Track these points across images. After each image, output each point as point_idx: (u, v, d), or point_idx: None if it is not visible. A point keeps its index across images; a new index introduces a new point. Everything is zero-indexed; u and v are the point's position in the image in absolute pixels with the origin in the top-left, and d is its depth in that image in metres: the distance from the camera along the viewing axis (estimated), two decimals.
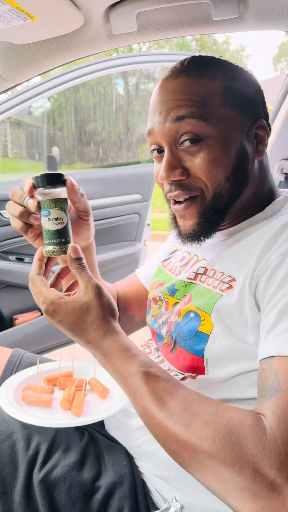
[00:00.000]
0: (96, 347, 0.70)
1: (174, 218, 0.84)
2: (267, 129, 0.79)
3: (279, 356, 0.58)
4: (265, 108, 0.82)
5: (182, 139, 0.74)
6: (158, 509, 0.76)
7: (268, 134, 0.80)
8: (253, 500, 0.50)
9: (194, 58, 0.77)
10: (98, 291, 0.71)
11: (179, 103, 0.73)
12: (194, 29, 1.03)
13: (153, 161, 2.56)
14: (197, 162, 0.74)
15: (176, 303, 0.86)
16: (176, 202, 0.80)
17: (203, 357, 0.72)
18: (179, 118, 0.73)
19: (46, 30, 0.92)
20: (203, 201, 0.76)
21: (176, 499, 0.62)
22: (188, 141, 0.74)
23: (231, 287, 0.72)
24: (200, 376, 0.74)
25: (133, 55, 2.18)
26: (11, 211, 0.78)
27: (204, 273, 0.81)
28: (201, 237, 0.79)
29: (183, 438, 0.57)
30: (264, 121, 0.79)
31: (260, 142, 0.79)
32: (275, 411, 0.53)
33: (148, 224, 2.41)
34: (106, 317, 0.71)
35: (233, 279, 0.72)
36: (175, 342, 0.80)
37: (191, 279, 0.84)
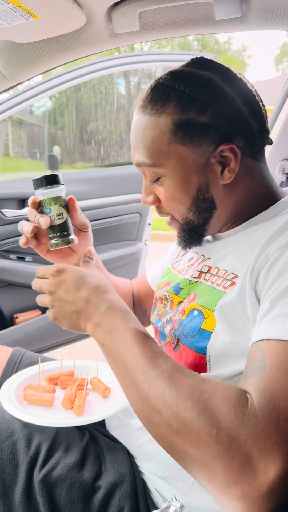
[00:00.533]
0: (100, 301, 0.73)
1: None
2: (235, 150, 0.75)
3: (267, 339, 0.59)
4: (240, 124, 0.76)
5: (147, 177, 0.83)
6: (158, 509, 0.76)
7: (237, 154, 0.76)
8: (226, 472, 0.49)
9: (153, 86, 0.79)
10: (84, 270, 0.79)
11: (137, 147, 0.80)
12: (197, 29, 1.03)
13: None
14: (161, 194, 0.82)
15: (181, 301, 0.86)
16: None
17: (205, 355, 0.72)
18: (138, 164, 0.82)
19: (48, 29, 0.92)
20: (177, 221, 0.85)
21: (176, 498, 0.61)
22: (150, 181, 0.82)
23: (233, 283, 0.73)
24: (202, 374, 0.74)
25: (134, 54, 2.18)
26: (25, 231, 0.88)
27: (208, 272, 0.82)
28: (188, 245, 0.87)
29: (170, 395, 0.57)
30: (229, 143, 0.75)
31: (228, 165, 0.76)
32: (257, 387, 0.54)
33: (149, 224, 2.41)
34: (103, 281, 0.77)
35: (236, 276, 0.73)
36: (178, 340, 0.80)
37: (195, 277, 0.85)
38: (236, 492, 0.48)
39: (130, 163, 3.11)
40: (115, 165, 4.98)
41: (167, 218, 0.87)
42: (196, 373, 0.66)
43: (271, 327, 0.59)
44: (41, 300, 0.78)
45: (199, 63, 0.80)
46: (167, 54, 2.26)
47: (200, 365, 0.74)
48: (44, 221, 0.84)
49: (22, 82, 1.19)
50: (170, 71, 0.80)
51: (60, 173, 0.87)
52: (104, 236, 2.23)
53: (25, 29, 0.90)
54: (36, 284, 0.79)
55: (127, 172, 2.34)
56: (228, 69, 0.79)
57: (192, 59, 0.82)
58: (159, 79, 0.80)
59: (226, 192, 0.79)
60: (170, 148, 0.76)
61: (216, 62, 0.80)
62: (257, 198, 0.81)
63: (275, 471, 0.48)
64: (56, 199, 0.85)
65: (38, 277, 0.79)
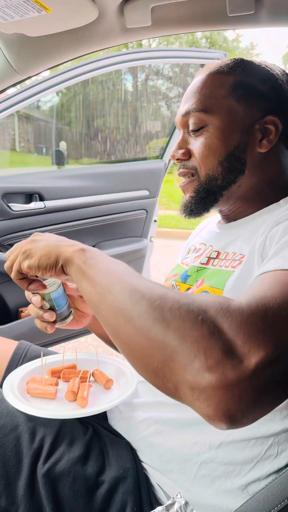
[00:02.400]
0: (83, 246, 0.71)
1: (182, 191, 0.94)
2: (278, 124, 0.83)
3: (268, 271, 0.59)
4: (286, 104, 0.86)
5: (190, 127, 0.87)
6: (161, 504, 0.76)
7: (279, 129, 0.84)
8: (208, 354, 0.47)
9: (229, 59, 0.89)
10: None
11: (192, 97, 0.87)
12: (209, 25, 1.03)
13: (160, 158, 2.54)
14: (196, 146, 0.86)
15: (188, 289, 0.87)
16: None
17: None
18: (187, 112, 0.87)
19: (60, 22, 0.92)
20: (198, 179, 0.87)
21: (180, 495, 0.61)
22: (192, 129, 0.86)
23: (241, 263, 0.75)
24: None
25: (142, 50, 2.17)
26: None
27: (217, 257, 0.85)
28: (193, 210, 0.90)
29: (162, 289, 0.56)
30: (275, 116, 0.83)
31: (267, 136, 0.84)
32: (249, 293, 0.54)
33: (155, 221, 2.40)
34: None
35: (243, 256, 0.76)
36: None
37: (203, 263, 0.87)
38: (216, 376, 0.46)
39: (137, 159, 3.10)
40: (122, 161, 4.98)
41: (182, 181, 0.91)
42: None
43: (271, 264, 0.60)
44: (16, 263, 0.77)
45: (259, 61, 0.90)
46: (175, 50, 2.26)
47: None
48: (36, 300, 0.87)
49: (32, 76, 1.19)
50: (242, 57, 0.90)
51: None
52: (110, 232, 2.23)
53: (37, 22, 0.90)
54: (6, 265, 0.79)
55: (134, 169, 2.33)
56: (284, 69, 0.90)
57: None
58: (235, 58, 0.89)
59: (257, 162, 0.85)
60: (225, 100, 0.84)
61: (274, 64, 0.91)
62: (276, 184, 0.86)
63: (258, 358, 0.47)
64: (44, 295, 0.85)
65: (8, 266, 0.80)
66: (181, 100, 0.92)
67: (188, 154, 0.88)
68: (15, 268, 0.76)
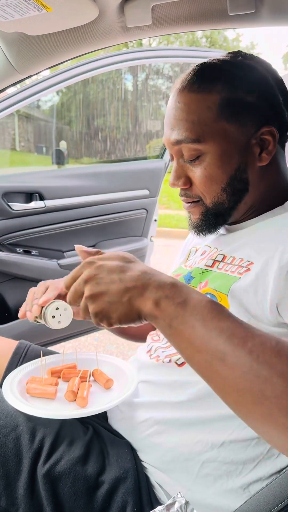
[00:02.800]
0: (158, 277, 0.61)
1: (188, 212, 0.91)
2: (274, 133, 0.80)
3: None
4: (277, 109, 0.81)
5: (185, 157, 0.82)
6: (161, 504, 0.76)
7: (276, 138, 0.80)
8: None
9: (198, 68, 0.82)
10: (124, 252, 0.69)
11: (178, 124, 0.81)
12: (209, 24, 1.03)
13: (161, 157, 2.54)
14: (196, 175, 0.82)
15: None
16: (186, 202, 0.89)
17: None
18: (178, 142, 0.81)
19: (61, 21, 0.91)
20: (204, 205, 0.85)
21: (181, 495, 0.61)
22: (189, 160, 0.82)
23: (248, 270, 0.74)
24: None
25: (142, 50, 2.17)
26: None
27: (222, 260, 0.83)
28: (204, 231, 0.87)
29: (283, 363, 0.49)
30: (270, 126, 0.79)
31: (266, 148, 0.80)
32: None
33: (155, 220, 2.40)
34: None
35: (251, 263, 0.74)
36: None
37: (208, 266, 0.86)
38: None
39: (137, 159, 3.10)
40: (122, 160, 4.97)
41: (188, 204, 0.87)
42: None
43: None
44: (83, 304, 0.64)
45: (241, 54, 0.84)
46: (175, 50, 2.25)
47: None
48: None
49: (33, 75, 1.19)
50: (211, 59, 0.84)
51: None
52: (110, 231, 2.23)
53: (37, 21, 0.89)
54: (70, 292, 0.66)
55: (134, 168, 2.33)
56: (266, 61, 0.84)
57: (230, 52, 0.85)
58: (201, 64, 0.83)
59: (259, 175, 0.82)
60: (216, 124, 0.78)
61: (254, 55, 0.84)
62: (279, 189, 0.84)
63: None
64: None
65: (68, 284, 0.68)
66: (164, 124, 0.85)
67: (189, 183, 0.85)
68: (79, 304, 0.66)
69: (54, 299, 0.86)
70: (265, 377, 0.48)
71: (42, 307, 0.86)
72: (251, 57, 0.83)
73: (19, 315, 0.92)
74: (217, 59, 0.83)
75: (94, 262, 0.65)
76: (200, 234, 0.88)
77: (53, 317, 0.84)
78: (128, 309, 0.60)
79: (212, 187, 0.82)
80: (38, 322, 0.88)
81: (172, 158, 0.87)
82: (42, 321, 0.86)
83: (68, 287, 0.67)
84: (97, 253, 0.75)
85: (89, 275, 0.63)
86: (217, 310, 0.56)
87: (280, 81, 0.83)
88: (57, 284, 0.90)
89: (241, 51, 0.85)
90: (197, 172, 0.82)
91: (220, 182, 0.81)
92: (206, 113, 0.78)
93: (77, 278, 0.66)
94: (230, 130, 0.79)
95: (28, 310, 0.89)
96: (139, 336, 1.16)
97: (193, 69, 0.83)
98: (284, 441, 0.49)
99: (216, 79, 0.79)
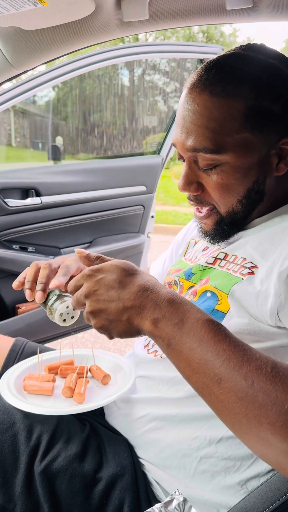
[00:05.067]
0: (155, 294, 0.61)
1: (200, 222, 0.88)
2: None
3: None
4: None
5: (199, 164, 0.76)
6: (159, 501, 0.76)
7: None
8: None
9: (219, 65, 0.74)
10: (127, 262, 0.69)
11: (196, 130, 0.73)
12: (207, 19, 1.02)
13: (158, 153, 2.53)
14: (211, 183, 0.77)
15: (191, 286, 0.86)
16: (197, 209, 0.84)
17: None
18: (194, 150, 0.75)
19: (57, 15, 0.90)
20: (219, 214, 0.80)
21: (179, 492, 0.61)
22: (204, 168, 0.76)
23: (252, 273, 0.72)
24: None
25: (139, 45, 2.16)
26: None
27: (224, 258, 0.82)
28: (219, 240, 0.84)
29: (277, 390, 0.50)
30: None
31: (284, 157, 0.76)
32: None
33: (152, 216, 2.40)
34: (147, 274, 0.68)
35: (255, 266, 0.72)
36: None
37: (209, 263, 0.85)
38: None
39: (134, 155, 3.09)
40: (119, 156, 4.96)
41: (200, 211, 0.83)
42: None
43: None
44: (84, 314, 0.67)
45: (262, 49, 0.76)
46: (172, 45, 2.25)
47: None
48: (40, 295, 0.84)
49: (28, 70, 1.18)
50: (232, 54, 0.76)
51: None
52: (107, 228, 2.23)
53: (33, 16, 0.89)
54: (73, 300, 0.69)
55: (131, 164, 2.33)
56: (283, 54, 0.77)
57: (249, 44, 0.78)
58: (223, 60, 0.75)
59: (274, 185, 0.79)
60: (239, 135, 0.72)
61: (277, 51, 0.77)
62: (285, 193, 0.81)
63: None
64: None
65: (72, 291, 0.70)
66: (176, 124, 0.79)
67: (201, 189, 0.79)
68: (81, 312, 0.70)
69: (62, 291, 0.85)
70: (260, 404, 0.49)
71: (49, 293, 0.84)
72: (274, 54, 0.76)
73: (14, 285, 0.88)
74: (239, 55, 0.75)
75: (94, 275, 0.66)
76: (214, 242, 0.85)
77: (61, 314, 0.82)
78: (127, 327, 0.62)
79: (227, 198, 0.77)
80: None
81: (179, 158, 0.82)
82: (46, 309, 0.84)
83: (72, 292, 0.69)
84: (98, 258, 0.73)
85: (89, 291, 0.64)
86: (214, 331, 0.56)
87: None
88: (68, 267, 0.87)
89: (263, 44, 0.77)
90: (212, 181, 0.77)
91: (237, 194, 0.77)
92: (230, 122, 0.72)
93: (79, 287, 0.67)
94: (253, 142, 0.73)
95: (28, 289, 0.85)
96: None
97: (214, 65, 0.74)
98: (280, 462, 0.50)
99: (242, 83, 0.71)
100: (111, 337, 0.65)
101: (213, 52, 2.12)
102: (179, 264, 0.97)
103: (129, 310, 0.61)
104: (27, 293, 0.85)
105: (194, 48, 2.16)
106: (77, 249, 0.75)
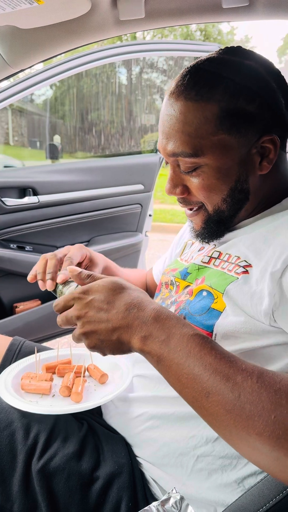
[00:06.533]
0: (141, 312, 0.63)
1: (191, 220, 0.90)
2: (276, 142, 0.76)
3: None
4: (279, 113, 0.76)
5: (181, 167, 0.79)
6: (156, 500, 0.76)
7: (277, 146, 0.76)
8: None
9: (195, 70, 0.76)
10: (114, 279, 0.71)
11: (174, 135, 0.76)
12: (203, 17, 1.02)
13: (155, 151, 2.53)
14: (194, 185, 0.79)
15: (187, 286, 0.86)
16: (188, 209, 0.87)
17: (211, 332, 0.72)
18: (174, 154, 0.77)
19: (53, 14, 0.90)
20: (206, 211, 0.82)
21: (176, 490, 0.61)
22: (185, 171, 0.79)
23: (246, 272, 0.72)
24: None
25: (136, 43, 2.16)
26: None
27: (218, 257, 0.82)
28: (208, 238, 0.85)
29: (268, 397, 0.51)
30: (271, 134, 0.75)
31: (267, 156, 0.77)
32: None
33: (150, 215, 2.40)
34: (136, 289, 0.69)
35: (249, 265, 0.73)
36: (184, 319, 0.79)
37: (205, 262, 0.85)
38: None
39: (132, 153, 3.09)
40: (116, 155, 4.96)
41: (189, 210, 0.85)
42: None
43: None
44: (73, 333, 0.69)
45: (239, 51, 0.78)
46: (170, 43, 2.24)
47: None
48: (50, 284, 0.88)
49: (25, 69, 1.18)
50: (208, 58, 0.77)
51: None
52: (105, 227, 2.23)
53: (29, 14, 0.88)
54: (61, 318, 0.70)
55: (129, 163, 2.33)
56: (268, 60, 0.79)
57: (227, 47, 0.79)
58: (198, 65, 0.77)
59: (259, 183, 0.80)
60: (215, 137, 0.74)
61: (254, 52, 0.79)
62: (279, 190, 0.82)
63: None
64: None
65: (60, 309, 0.71)
66: (159, 129, 0.81)
67: (186, 191, 0.82)
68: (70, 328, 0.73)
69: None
70: (247, 415, 0.50)
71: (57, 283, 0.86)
72: (251, 55, 0.78)
73: (28, 278, 0.92)
74: (214, 58, 0.77)
75: (84, 298, 0.68)
76: (205, 242, 0.87)
77: None
78: (118, 346, 0.64)
79: (212, 197, 0.79)
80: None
81: (167, 163, 0.84)
82: (56, 295, 0.87)
83: (58, 311, 0.71)
84: (89, 277, 0.73)
85: (80, 314, 0.67)
86: (200, 345, 0.57)
87: (282, 82, 0.78)
88: (71, 258, 0.93)
89: (240, 46, 0.79)
90: (194, 183, 0.79)
91: (220, 193, 0.78)
92: (205, 125, 0.73)
93: (68, 307, 0.70)
94: (230, 142, 0.74)
95: (40, 279, 0.90)
96: None
97: (189, 71, 0.77)
98: (272, 469, 0.51)
99: (215, 86, 0.73)
100: (104, 354, 0.67)
101: (211, 50, 2.12)
102: (175, 264, 0.97)
103: (118, 330, 0.63)
104: (40, 284, 0.89)
105: (192, 47, 2.15)
106: (70, 267, 0.76)
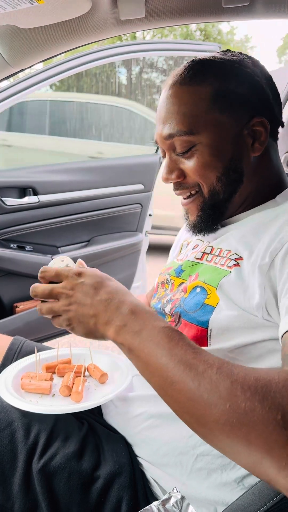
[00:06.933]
0: (121, 303, 0.68)
1: (186, 211, 0.92)
2: (266, 125, 0.81)
3: None
4: (267, 102, 0.83)
5: (177, 149, 0.83)
6: (157, 499, 0.76)
7: (267, 129, 0.82)
8: None
9: (189, 64, 0.83)
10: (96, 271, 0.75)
11: (170, 118, 0.82)
12: (203, 17, 1.02)
13: (155, 152, 2.53)
14: (190, 166, 0.83)
15: (182, 283, 0.88)
16: (184, 198, 0.89)
17: (207, 328, 0.73)
18: (170, 136, 0.82)
19: (53, 14, 0.90)
20: (202, 196, 0.85)
21: (176, 490, 0.61)
22: (181, 152, 0.83)
23: (238, 265, 0.75)
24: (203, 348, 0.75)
25: (136, 43, 2.16)
26: None
27: (211, 252, 0.85)
28: (204, 228, 0.88)
29: (225, 387, 0.52)
30: (261, 117, 0.81)
31: (258, 138, 0.82)
32: None
33: (150, 215, 2.40)
34: (121, 285, 0.74)
35: (240, 258, 0.76)
36: (179, 316, 0.81)
37: (198, 258, 0.87)
38: None
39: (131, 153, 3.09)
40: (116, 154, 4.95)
41: (185, 200, 0.88)
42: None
43: None
44: (49, 306, 0.73)
45: (229, 51, 0.86)
46: (170, 43, 2.24)
47: (200, 339, 0.75)
48: None
49: (25, 69, 1.18)
50: (201, 57, 0.85)
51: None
52: (105, 226, 2.23)
53: (29, 14, 0.88)
54: (47, 287, 0.74)
55: (128, 162, 2.33)
56: (255, 58, 0.86)
57: (220, 51, 0.88)
58: (192, 60, 0.84)
59: (253, 166, 0.84)
60: (208, 115, 0.79)
61: (244, 54, 0.86)
62: (272, 182, 0.86)
63: None
64: None
65: (47, 278, 0.75)
66: (155, 122, 0.87)
67: (183, 175, 0.85)
68: (52, 318, 0.75)
69: None
70: (205, 403, 0.53)
71: None
72: (240, 54, 0.85)
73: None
74: (207, 55, 0.84)
75: (76, 279, 0.72)
76: (200, 233, 0.89)
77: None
78: (93, 331, 0.69)
79: (207, 175, 0.82)
80: None
81: (164, 155, 0.88)
82: None
83: (44, 278, 0.75)
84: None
85: (68, 293, 0.72)
86: (169, 337, 0.61)
87: (268, 77, 0.85)
88: None
89: (229, 49, 0.87)
90: (190, 163, 0.82)
91: (215, 170, 0.81)
92: (199, 104, 0.79)
93: (57, 280, 0.74)
94: (223, 121, 0.80)
95: None
96: None
97: (184, 66, 0.84)
98: (229, 455, 0.54)
99: (207, 72, 0.81)
100: (74, 333, 0.72)
101: (211, 50, 2.12)
102: (171, 264, 0.99)
103: (97, 317, 0.68)
104: None
105: (192, 46, 2.16)
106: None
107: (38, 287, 0.74)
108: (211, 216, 0.85)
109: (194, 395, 0.54)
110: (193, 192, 0.86)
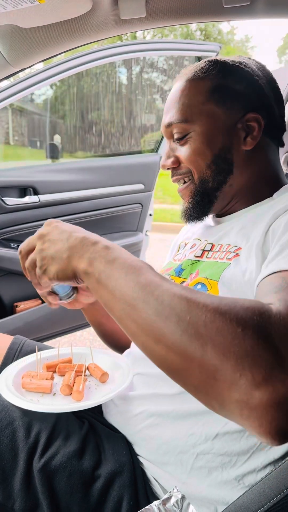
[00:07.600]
0: (97, 241, 0.68)
1: (182, 198, 0.97)
2: (260, 121, 0.86)
3: (285, 270, 0.59)
4: (265, 102, 0.88)
5: (174, 136, 0.91)
6: (157, 498, 0.76)
7: (261, 125, 0.86)
8: (255, 369, 0.44)
9: (200, 62, 0.91)
10: None
11: (171, 108, 0.90)
12: (204, 16, 1.02)
13: (156, 151, 2.54)
14: (183, 152, 0.90)
15: (182, 282, 0.88)
16: (179, 185, 0.96)
17: None
18: (169, 124, 0.90)
19: (54, 13, 0.90)
20: (193, 182, 0.91)
21: (177, 489, 0.61)
22: (177, 138, 0.90)
23: (237, 255, 0.77)
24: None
25: (136, 42, 2.15)
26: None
27: (211, 249, 0.87)
28: (193, 216, 0.93)
29: (188, 301, 0.52)
30: (256, 113, 0.86)
31: (251, 133, 0.87)
32: (282, 298, 0.52)
33: (150, 215, 2.40)
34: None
35: (239, 248, 0.78)
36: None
37: (197, 256, 0.89)
38: (267, 393, 0.44)
39: (132, 153, 3.09)
40: (116, 154, 4.96)
41: (181, 186, 0.94)
42: None
43: (284, 262, 0.60)
44: (30, 256, 0.76)
45: (240, 57, 0.92)
46: (170, 43, 2.24)
47: None
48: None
49: (26, 68, 1.18)
50: (211, 58, 0.92)
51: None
52: (105, 226, 2.23)
53: (30, 13, 0.88)
54: (29, 239, 0.79)
55: (129, 162, 2.33)
56: (261, 63, 0.93)
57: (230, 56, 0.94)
58: (203, 59, 0.92)
59: (244, 159, 0.88)
60: (205, 106, 0.86)
61: (252, 59, 0.93)
62: (267, 179, 0.89)
63: None
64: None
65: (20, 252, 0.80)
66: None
67: (178, 162, 0.92)
68: (35, 281, 0.78)
69: None
70: (166, 316, 0.52)
71: None
72: (249, 58, 0.92)
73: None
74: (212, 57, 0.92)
75: (54, 222, 0.77)
76: (190, 219, 0.94)
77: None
78: (65, 267, 0.68)
79: (197, 162, 0.88)
80: None
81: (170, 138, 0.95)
82: None
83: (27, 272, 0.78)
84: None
85: (43, 232, 0.75)
86: (140, 266, 0.61)
87: (272, 81, 0.92)
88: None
89: (241, 55, 0.94)
90: (184, 149, 0.89)
91: (205, 157, 0.87)
92: (197, 96, 0.87)
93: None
94: (217, 112, 0.86)
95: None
96: (124, 342, 1.14)
97: (194, 64, 0.91)
98: (184, 373, 0.51)
99: (210, 70, 0.88)
100: (49, 279, 0.72)
101: (211, 50, 2.12)
102: (169, 265, 1.00)
103: (71, 250, 0.68)
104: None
105: (192, 46, 2.16)
106: None
107: (21, 246, 0.79)
108: (199, 202, 0.90)
109: (156, 311, 0.53)
110: (186, 179, 0.92)
